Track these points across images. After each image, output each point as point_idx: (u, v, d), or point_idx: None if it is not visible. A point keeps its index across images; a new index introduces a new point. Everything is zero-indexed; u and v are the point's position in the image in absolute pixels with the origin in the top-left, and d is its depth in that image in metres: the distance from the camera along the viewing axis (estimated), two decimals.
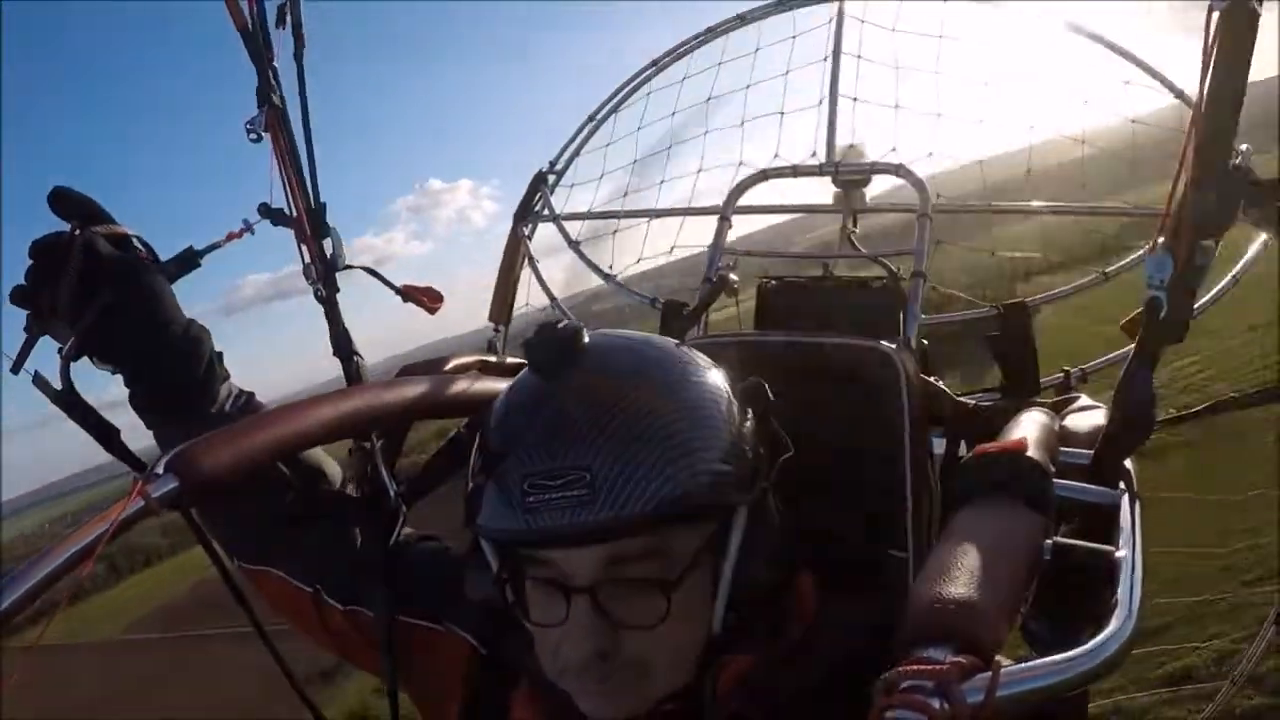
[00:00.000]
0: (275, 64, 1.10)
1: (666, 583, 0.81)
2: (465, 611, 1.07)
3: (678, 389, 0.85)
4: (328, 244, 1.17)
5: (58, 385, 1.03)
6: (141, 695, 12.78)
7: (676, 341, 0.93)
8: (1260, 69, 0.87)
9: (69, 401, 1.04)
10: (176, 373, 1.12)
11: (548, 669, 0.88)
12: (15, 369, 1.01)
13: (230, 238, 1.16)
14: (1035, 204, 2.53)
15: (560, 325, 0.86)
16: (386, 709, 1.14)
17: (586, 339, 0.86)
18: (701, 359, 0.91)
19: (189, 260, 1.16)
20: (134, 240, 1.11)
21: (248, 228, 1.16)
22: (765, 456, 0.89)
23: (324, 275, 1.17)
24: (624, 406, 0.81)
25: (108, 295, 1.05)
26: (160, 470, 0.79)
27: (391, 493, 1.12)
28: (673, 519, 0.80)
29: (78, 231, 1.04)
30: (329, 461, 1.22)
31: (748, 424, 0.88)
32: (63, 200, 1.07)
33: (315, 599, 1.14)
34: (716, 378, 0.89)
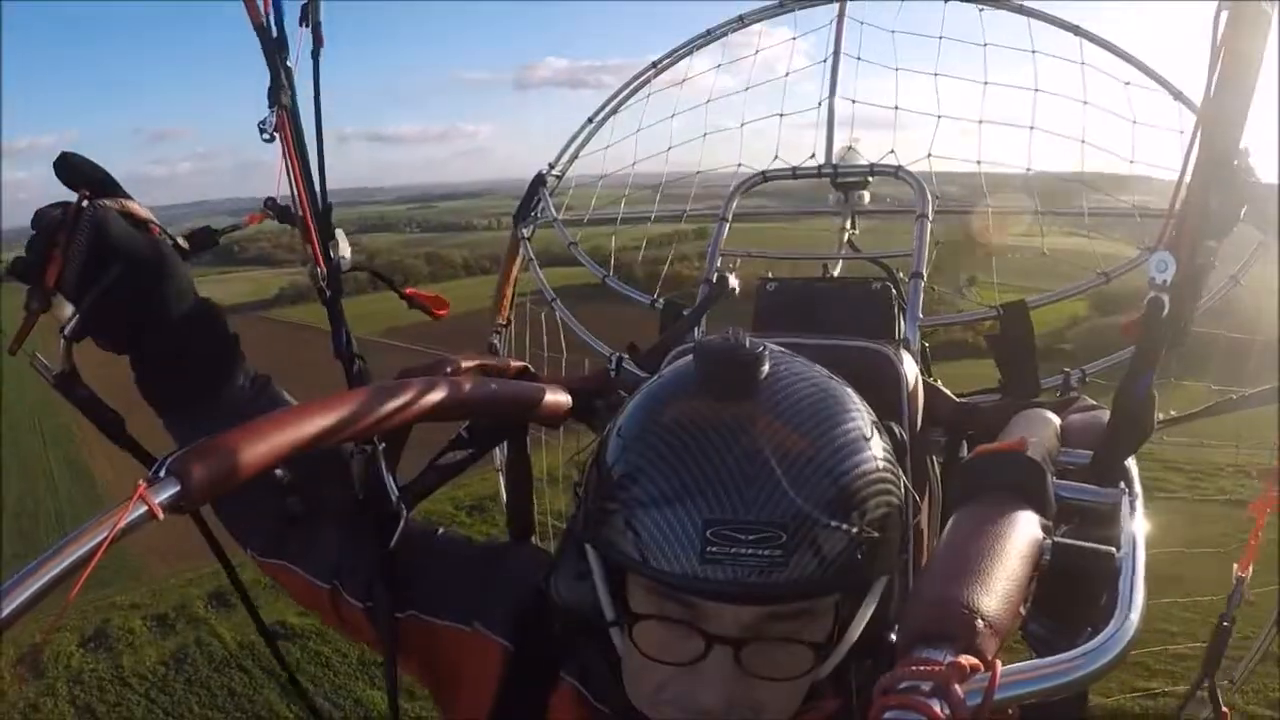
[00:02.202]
0: (290, 64, 1.07)
1: (819, 645, 0.82)
2: (495, 610, 1.07)
3: (859, 439, 0.82)
4: (333, 245, 1.17)
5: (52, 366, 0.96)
6: None
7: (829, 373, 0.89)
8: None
9: (71, 386, 0.98)
10: (187, 358, 1.08)
11: (639, 696, 0.87)
12: (13, 349, 0.93)
13: (251, 220, 1.14)
14: (1034, 205, 2.53)
15: (743, 342, 0.82)
16: (418, 710, 1.14)
17: (769, 365, 0.81)
18: (857, 397, 0.88)
19: (206, 240, 1.13)
20: (148, 221, 1.05)
21: (268, 211, 1.13)
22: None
23: (328, 276, 1.16)
24: (818, 458, 0.78)
25: (115, 272, 0.98)
26: (162, 473, 0.79)
27: (393, 495, 1.12)
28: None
29: (85, 201, 0.96)
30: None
31: (903, 482, 0.87)
32: (71, 167, 0.98)
33: (333, 596, 1.13)
34: (873, 421, 0.86)
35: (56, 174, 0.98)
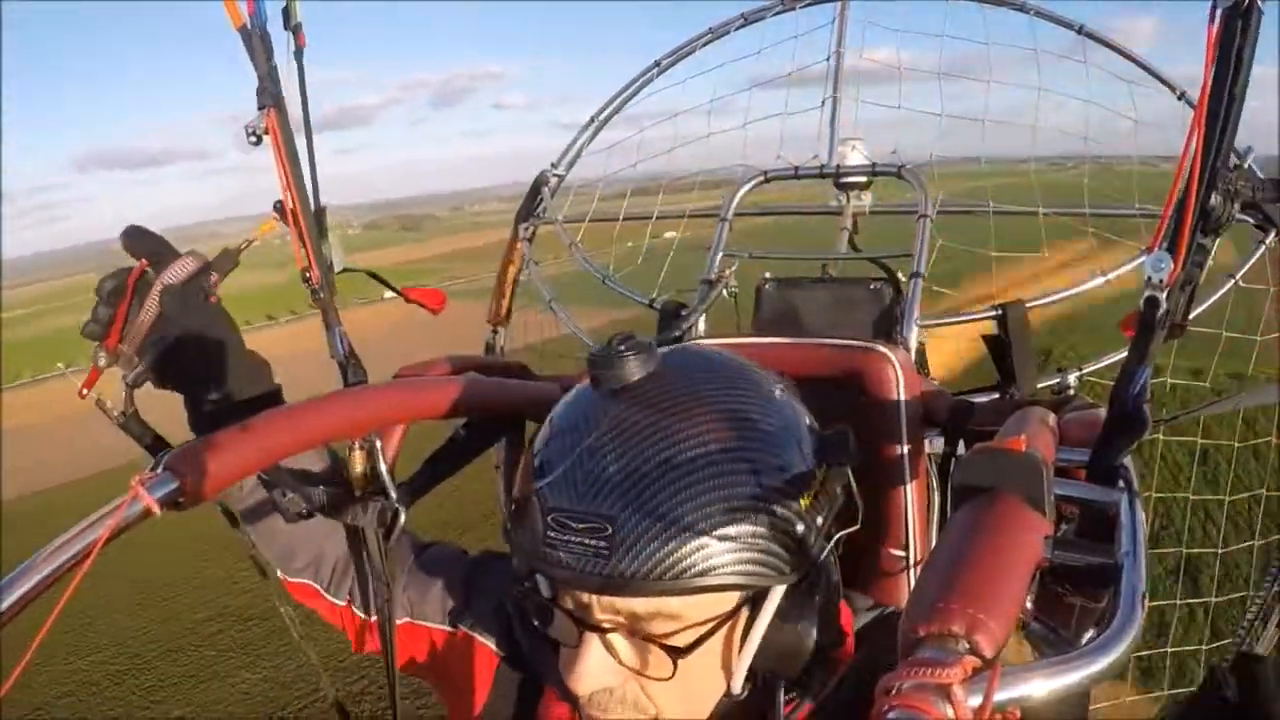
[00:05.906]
0: (274, 63, 1.07)
1: (675, 649, 0.79)
2: (485, 614, 1.09)
3: (744, 440, 0.79)
4: (326, 247, 1.16)
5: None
6: None
7: (779, 373, 0.89)
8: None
9: (133, 426, 1.07)
10: (240, 400, 1.11)
11: (565, 680, 0.88)
12: (82, 394, 1.05)
13: (265, 230, 1.15)
14: (1035, 205, 2.53)
15: (629, 340, 0.83)
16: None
17: (652, 363, 0.81)
18: (793, 401, 0.86)
19: (230, 259, 1.15)
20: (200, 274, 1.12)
21: (276, 215, 1.13)
22: (826, 527, 0.83)
23: (322, 278, 1.16)
24: (669, 454, 0.76)
25: (175, 331, 1.07)
26: (159, 470, 0.79)
27: (391, 493, 1.12)
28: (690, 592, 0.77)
29: (146, 271, 1.08)
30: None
31: (815, 490, 0.82)
32: (136, 239, 1.08)
33: (348, 611, 1.16)
34: (796, 421, 0.84)
35: (124, 246, 1.09)
